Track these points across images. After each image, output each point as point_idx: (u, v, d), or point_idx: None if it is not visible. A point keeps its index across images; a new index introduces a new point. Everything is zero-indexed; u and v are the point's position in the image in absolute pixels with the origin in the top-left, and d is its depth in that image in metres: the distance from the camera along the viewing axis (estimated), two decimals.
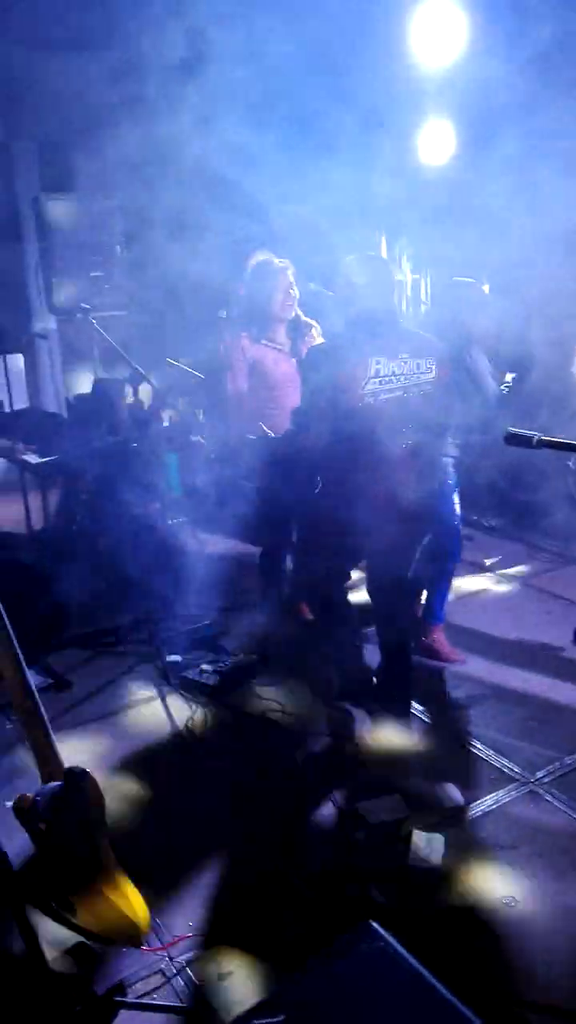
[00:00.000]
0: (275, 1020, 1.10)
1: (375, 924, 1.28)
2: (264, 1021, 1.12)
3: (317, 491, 3.11)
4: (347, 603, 3.49)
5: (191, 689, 3.62)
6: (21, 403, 5.04)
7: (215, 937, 2.32)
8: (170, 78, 3.81)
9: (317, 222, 3.90)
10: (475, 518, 5.25)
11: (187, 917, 2.40)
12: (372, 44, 4.04)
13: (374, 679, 3.47)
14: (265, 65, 3.67)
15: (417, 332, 3.22)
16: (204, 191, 3.80)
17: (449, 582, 3.90)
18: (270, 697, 3.54)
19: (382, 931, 1.26)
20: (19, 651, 2.12)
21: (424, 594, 3.88)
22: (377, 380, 2.96)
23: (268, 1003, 1.18)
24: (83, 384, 5.23)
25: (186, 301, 3.92)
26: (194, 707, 3.51)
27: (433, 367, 3.08)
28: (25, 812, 2.22)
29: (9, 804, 2.48)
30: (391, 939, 1.25)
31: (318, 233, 3.96)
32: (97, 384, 4.58)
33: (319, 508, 3.18)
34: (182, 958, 2.26)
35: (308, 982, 1.22)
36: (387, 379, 2.98)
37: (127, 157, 3.96)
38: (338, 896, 2.43)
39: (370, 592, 3.41)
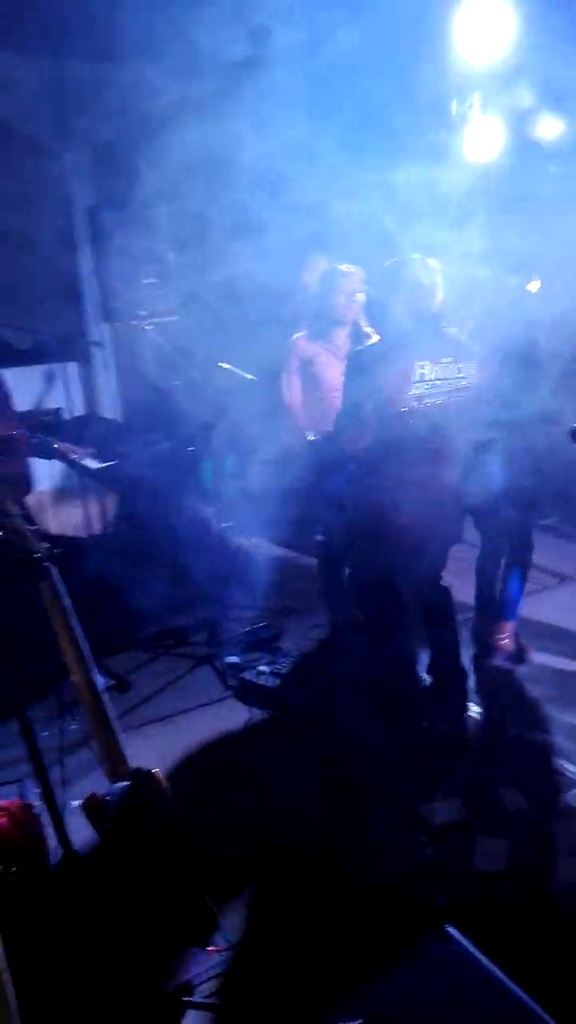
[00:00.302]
0: (353, 1023, 1.10)
1: (451, 928, 1.27)
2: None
3: (355, 502, 3.14)
4: (400, 602, 3.49)
5: (250, 691, 3.64)
6: (78, 410, 5.13)
7: (280, 939, 2.33)
8: (227, 78, 3.84)
9: (379, 220, 3.89)
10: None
11: (251, 918, 2.41)
12: (427, 39, 4.01)
13: (429, 679, 3.45)
14: (324, 63, 3.67)
15: (458, 337, 3.21)
16: (262, 192, 3.82)
17: (521, 579, 3.85)
18: (328, 699, 3.54)
19: (459, 935, 1.25)
20: (88, 653, 2.16)
21: (496, 590, 3.84)
22: (423, 384, 2.98)
23: (345, 1006, 1.18)
24: (138, 390, 5.30)
25: (243, 304, 3.94)
26: (253, 709, 3.53)
27: (474, 371, 3.08)
28: (95, 811, 2.26)
29: (77, 803, 2.54)
30: (468, 943, 1.24)
31: (380, 232, 3.94)
32: (152, 390, 4.64)
33: (366, 510, 3.19)
34: (247, 959, 2.27)
35: (386, 986, 1.22)
36: (431, 383, 3.00)
37: (183, 162, 4.00)
38: (402, 899, 2.42)
39: (416, 590, 3.41)
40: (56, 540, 2.14)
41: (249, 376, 4.24)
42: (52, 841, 2.44)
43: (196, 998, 2.18)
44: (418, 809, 2.77)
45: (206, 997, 2.18)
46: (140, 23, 4.98)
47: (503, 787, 2.89)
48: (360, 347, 3.58)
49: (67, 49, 5.88)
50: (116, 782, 2.22)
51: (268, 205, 3.81)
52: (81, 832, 2.28)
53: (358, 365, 3.17)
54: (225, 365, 4.36)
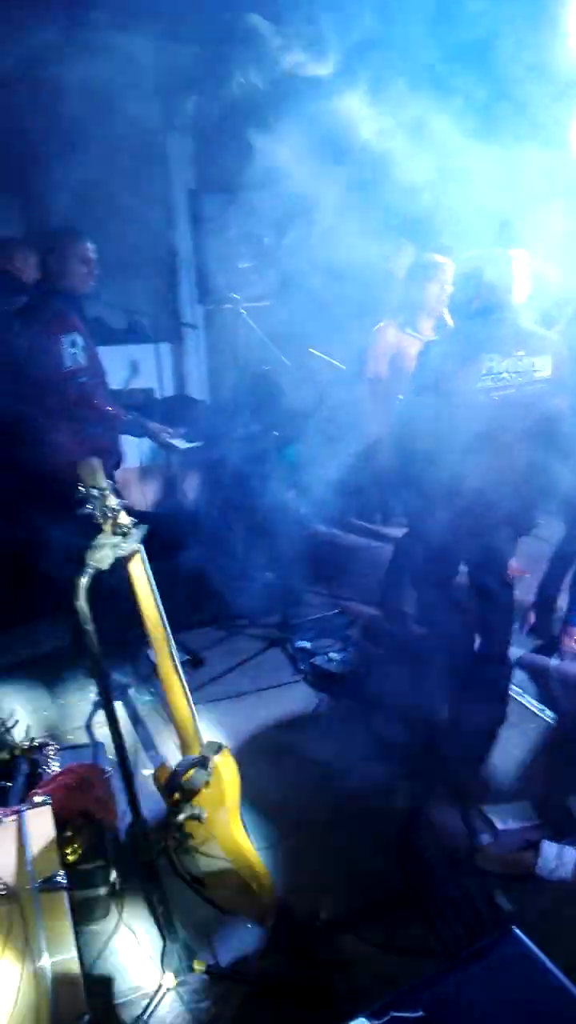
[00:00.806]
0: (414, 1015, 1.11)
1: (517, 931, 1.27)
2: (403, 1014, 1.13)
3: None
4: (457, 603, 3.48)
5: (319, 676, 3.67)
6: (169, 390, 5.23)
7: (337, 925, 2.35)
8: (343, 57, 3.82)
9: (495, 206, 3.82)
10: None
11: (309, 902, 2.44)
12: (544, 25, 3.87)
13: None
14: (449, 37, 3.59)
15: (535, 330, 3.15)
16: (366, 175, 3.80)
17: None
18: (396, 691, 3.53)
19: (525, 938, 1.25)
20: (168, 628, 2.22)
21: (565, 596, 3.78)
22: (489, 378, 2.95)
23: (406, 996, 1.20)
24: (228, 373, 5.37)
25: (338, 290, 3.94)
26: (321, 694, 3.56)
27: (548, 365, 3.03)
28: (163, 781, 2.33)
29: (148, 772, 2.62)
30: (534, 947, 1.23)
31: (494, 218, 3.89)
32: (243, 373, 4.69)
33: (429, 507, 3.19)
34: (305, 941, 2.31)
35: (448, 981, 1.22)
36: (499, 377, 2.97)
37: (288, 145, 4.01)
38: (462, 898, 2.42)
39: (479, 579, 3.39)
40: (141, 515, 2.20)
41: (339, 364, 4.25)
42: (121, 805, 2.54)
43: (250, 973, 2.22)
44: (484, 809, 2.75)
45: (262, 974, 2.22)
46: (250, 4, 5.00)
47: (573, 795, 2.84)
48: (432, 339, 3.57)
49: (175, 31, 5.96)
50: (188, 754, 2.28)
51: (372, 189, 3.79)
52: (150, 800, 2.35)
53: (426, 357, 3.18)
54: (315, 352, 4.37)
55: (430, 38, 3.78)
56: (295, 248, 4.42)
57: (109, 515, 2.07)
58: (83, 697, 3.60)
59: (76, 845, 2.31)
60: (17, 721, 3.20)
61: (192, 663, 3.82)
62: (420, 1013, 1.14)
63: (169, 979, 2.10)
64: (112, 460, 3.70)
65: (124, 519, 2.08)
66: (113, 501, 2.07)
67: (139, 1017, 2.03)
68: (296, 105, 3.97)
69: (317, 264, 4.09)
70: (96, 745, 3.03)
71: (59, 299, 3.50)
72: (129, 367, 5.06)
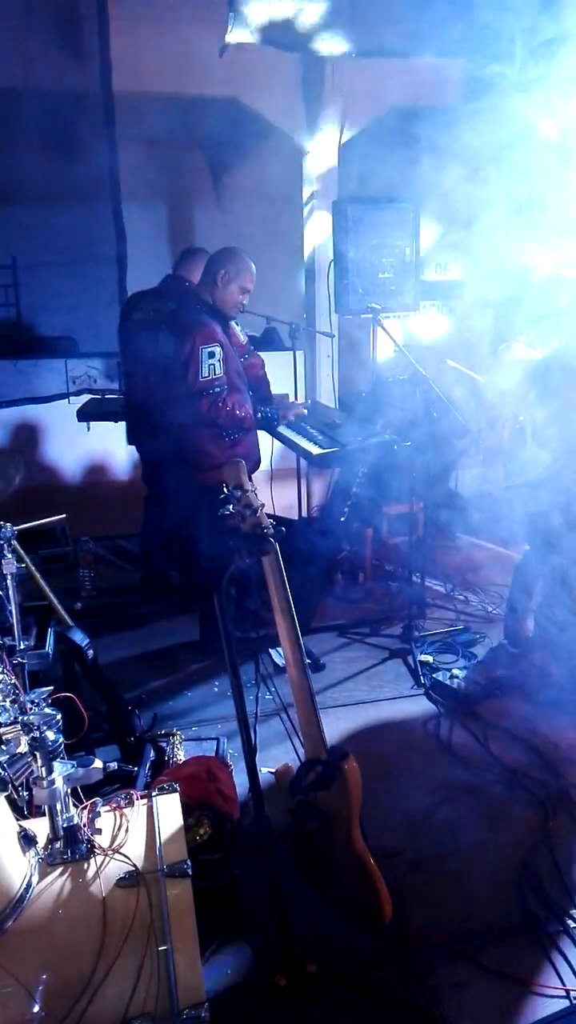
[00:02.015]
0: None
1: None
2: None
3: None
4: None
5: (441, 692, 3.61)
6: (301, 396, 5.29)
7: (452, 947, 2.30)
8: (503, 61, 3.78)
9: None
10: None
11: (425, 918, 2.40)
12: None
13: None
14: None
15: None
16: (515, 186, 3.74)
17: None
18: (520, 716, 3.43)
19: None
20: (299, 631, 2.25)
21: None
22: None
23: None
24: (360, 381, 5.39)
25: (481, 305, 3.90)
26: (442, 711, 3.50)
27: None
28: (286, 781, 2.36)
29: (269, 771, 2.66)
30: None
31: None
32: (376, 382, 4.70)
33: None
34: (418, 956, 2.27)
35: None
36: None
37: (435, 155, 4.00)
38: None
39: None
40: (273, 519, 2.24)
41: (478, 377, 4.18)
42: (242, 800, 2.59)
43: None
44: None
45: (373, 984, 2.20)
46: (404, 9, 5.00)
47: None
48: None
49: (323, 44, 6.05)
50: (311, 757, 2.30)
51: (518, 202, 3.72)
52: (270, 797, 2.38)
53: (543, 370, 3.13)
54: (453, 363, 4.32)
55: None
56: (439, 260, 4.40)
57: (248, 515, 2.13)
58: (208, 690, 3.70)
59: (198, 835, 2.36)
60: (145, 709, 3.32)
61: (313, 667, 3.85)
62: None
63: (281, 979, 2.11)
64: (251, 462, 3.82)
65: (262, 519, 2.12)
66: (253, 501, 2.12)
67: (250, 1014, 2.05)
68: (449, 113, 3.96)
69: (462, 277, 4.05)
70: (219, 738, 3.09)
71: (208, 312, 3.65)
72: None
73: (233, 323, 4.01)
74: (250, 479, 2.25)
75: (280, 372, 4.91)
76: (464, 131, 3.82)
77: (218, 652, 3.85)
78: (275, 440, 4.15)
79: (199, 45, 5.97)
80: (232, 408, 3.64)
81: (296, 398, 4.94)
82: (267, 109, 6.47)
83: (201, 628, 4.09)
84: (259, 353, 4.24)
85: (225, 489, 2.09)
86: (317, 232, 6.63)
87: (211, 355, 3.52)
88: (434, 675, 3.72)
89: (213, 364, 3.52)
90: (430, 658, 3.90)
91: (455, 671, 3.71)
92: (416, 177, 4.78)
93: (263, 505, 2.19)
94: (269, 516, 2.20)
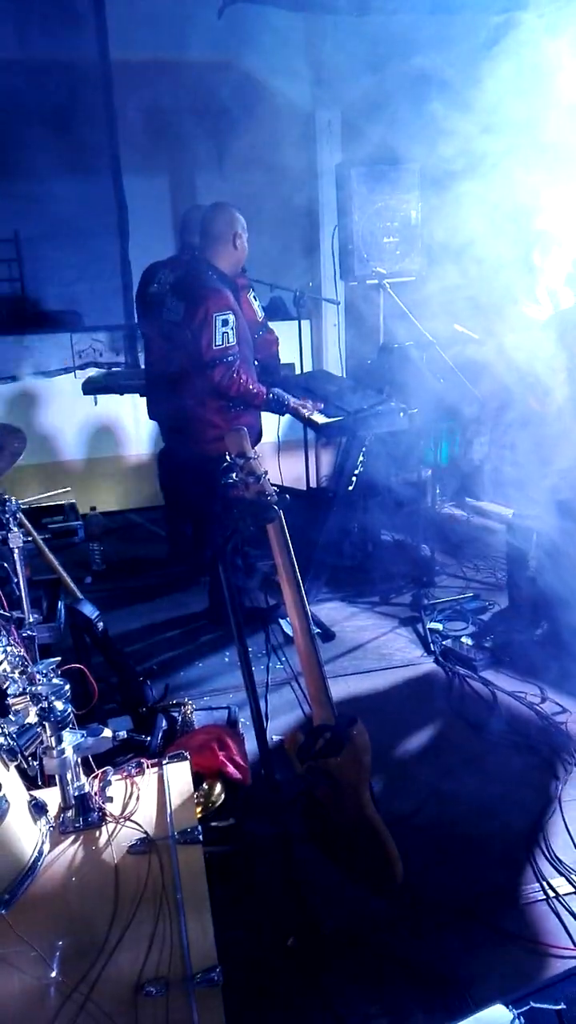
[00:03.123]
0: (555, 1007, 1.09)
1: None
2: (543, 1005, 1.11)
3: None
4: None
5: (451, 659, 3.61)
6: (307, 364, 5.25)
7: (465, 910, 2.32)
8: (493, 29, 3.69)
9: None
10: None
11: (438, 881, 2.42)
12: None
13: None
14: None
15: None
16: (522, 147, 3.66)
17: None
18: (531, 680, 3.43)
19: None
20: (306, 601, 2.24)
21: None
22: None
23: (547, 989, 1.16)
24: (366, 349, 5.34)
25: (486, 267, 3.83)
26: (454, 678, 3.50)
27: None
28: (295, 747, 2.37)
29: (279, 738, 2.67)
30: None
31: None
32: (382, 349, 4.65)
33: None
34: (430, 919, 2.29)
35: None
36: None
37: (437, 118, 3.91)
38: None
39: None
40: (278, 489, 2.22)
41: (483, 339, 4.13)
42: (253, 767, 2.60)
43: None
44: None
45: (384, 948, 2.22)
46: None
47: None
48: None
49: (320, 5, 5.92)
50: (320, 724, 2.31)
51: (528, 162, 3.64)
52: (280, 764, 2.39)
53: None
54: (461, 328, 4.27)
55: None
56: (443, 223, 4.32)
57: (251, 483, 2.11)
58: (219, 660, 3.72)
59: (210, 802, 2.38)
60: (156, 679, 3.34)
61: (323, 636, 3.85)
62: (562, 1006, 1.11)
63: (295, 942, 2.14)
64: (252, 435, 3.78)
65: (266, 487, 2.11)
66: (257, 469, 2.10)
67: (264, 977, 2.08)
68: (449, 76, 3.87)
69: (467, 240, 3.97)
70: (230, 708, 3.11)
71: (220, 279, 3.60)
72: None
73: (251, 296, 3.95)
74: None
75: (286, 341, 4.87)
76: (473, 86, 3.73)
77: (227, 622, 3.86)
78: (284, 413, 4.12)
79: (196, 7, 5.85)
80: (246, 381, 3.61)
81: (302, 367, 4.90)
82: (268, 72, 6.33)
83: (210, 599, 4.10)
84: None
85: (228, 457, 2.08)
86: (321, 198, 6.53)
87: (225, 323, 3.48)
88: (444, 642, 3.72)
89: (227, 332, 3.48)
90: (440, 625, 3.90)
91: (464, 638, 3.70)
92: (422, 137, 4.69)
93: (266, 473, 2.17)
94: (276, 487, 2.19)
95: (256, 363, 3.95)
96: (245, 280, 3.92)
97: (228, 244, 3.58)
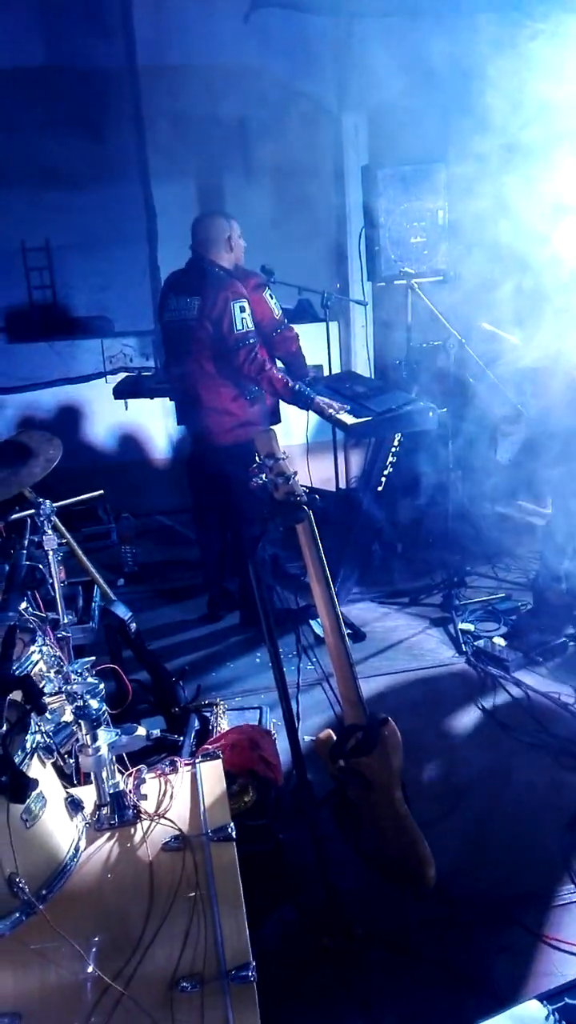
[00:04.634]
0: None
1: None
2: None
3: None
4: None
5: (483, 660, 3.60)
6: (336, 365, 5.26)
7: (499, 910, 2.31)
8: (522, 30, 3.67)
9: None
10: None
11: (470, 883, 2.41)
12: None
13: None
14: None
15: None
16: (554, 146, 3.64)
17: None
18: (563, 680, 3.40)
19: None
20: (336, 601, 2.25)
21: None
22: None
23: None
24: (395, 349, 5.33)
25: (516, 266, 3.80)
26: (486, 679, 3.48)
27: None
28: (327, 748, 2.37)
29: (310, 739, 2.68)
30: None
31: None
32: (411, 350, 4.63)
33: None
34: (463, 921, 2.28)
35: None
36: None
37: (466, 119, 3.91)
38: None
39: None
40: (308, 489, 2.24)
41: (514, 339, 4.10)
42: (285, 767, 2.62)
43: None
44: None
45: (419, 945, 2.22)
46: None
47: None
48: None
49: (349, 6, 5.92)
50: (352, 723, 2.31)
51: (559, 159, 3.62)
52: (312, 765, 2.40)
53: None
54: (488, 326, 4.24)
55: None
56: (474, 223, 4.30)
57: (281, 484, 2.13)
58: (250, 661, 3.74)
59: (243, 802, 2.40)
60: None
61: (354, 637, 3.86)
62: None
63: (327, 942, 2.14)
64: (270, 418, 4.01)
65: (295, 487, 2.12)
66: (286, 470, 2.12)
67: (297, 975, 2.08)
68: (476, 77, 3.86)
69: (496, 240, 3.95)
70: (262, 708, 3.13)
71: (225, 272, 3.78)
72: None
73: (267, 294, 4.00)
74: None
75: (314, 343, 4.88)
76: (496, 87, 3.72)
77: (258, 624, 3.88)
78: (310, 412, 4.13)
79: (223, 14, 5.90)
80: (271, 370, 3.70)
81: (330, 369, 4.90)
82: (295, 76, 6.37)
83: (241, 600, 4.13)
84: (292, 326, 4.21)
85: (257, 458, 2.09)
86: (347, 200, 6.54)
87: (242, 309, 3.67)
88: (476, 643, 3.70)
89: (244, 318, 3.67)
90: (471, 626, 3.88)
91: (496, 638, 3.68)
92: (448, 137, 4.68)
93: (296, 473, 2.19)
94: (305, 488, 2.20)
95: (276, 360, 4.03)
96: (257, 279, 3.99)
97: (226, 244, 3.82)
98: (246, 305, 3.68)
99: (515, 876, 2.43)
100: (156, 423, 6.12)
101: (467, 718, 3.24)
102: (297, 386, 3.81)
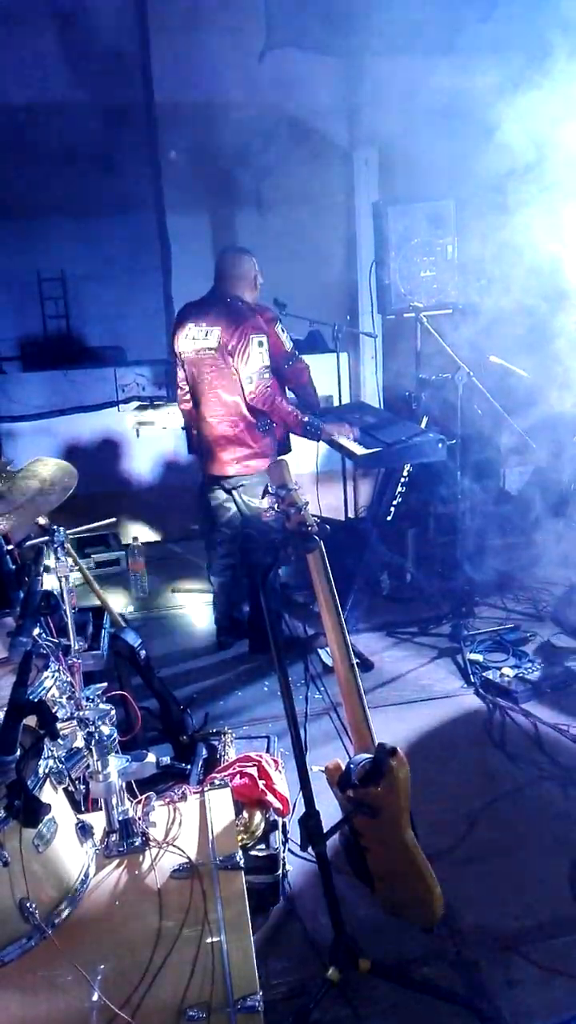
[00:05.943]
0: None
1: None
2: None
3: None
4: None
5: (492, 691, 3.59)
6: (345, 396, 5.33)
7: (505, 943, 2.29)
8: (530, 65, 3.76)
9: None
10: None
11: (476, 915, 2.40)
12: None
13: None
14: None
15: None
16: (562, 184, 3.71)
17: None
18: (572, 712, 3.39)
19: None
20: (346, 630, 2.27)
21: None
22: None
23: None
24: (404, 381, 5.39)
25: (525, 298, 3.86)
26: (494, 710, 3.48)
27: None
28: (336, 778, 2.37)
29: (319, 769, 2.68)
30: None
31: None
32: (420, 382, 4.69)
33: None
34: (471, 953, 2.27)
35: None
36: None
37: (474, 154, 3.99)
38: None
39: None
40: (319, 518, 2.27)
41: (522, 372, 4.15)
42: (293, 797, 2.62)
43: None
44: None
45: (423, 979, 2.21)
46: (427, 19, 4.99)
47: None
48: None
49: (361, 45, 6.06)
50: (360, 753, 2.32)
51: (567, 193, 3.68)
52: (320, 795, 2.40)
53: None
54: (496, 359, 4.29)
55: None
56: (483, 257, 4.38)
57: (293, 513, 2.16)
58: (258, 689, 3.74)
59: (250, 831, 2.40)
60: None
61: (361, 667, 3.85)
62: None
63: (335, 973, 2.13)
64: (284, 451, 4.11)
65: (307, 517, 2.15)
66: (298, 500, 2.15)
67: (302, 1008, 2.07)
68: (484, 112, 3.94)
69: (507, 273, 4.02)
70: (270, 737, 3.13)
71: (247, 307, 3.82)
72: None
73: (278, 328, 4.06)
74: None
75: (325, 374, 4.95)
76: (505, 126, 3.81)
77: (267, 652, 3.90)
78: (320, 442, 4.18)
79: (238, 53, 6.04)
80: (282, 403, 3.75)
81: (340, 400, 4.95)
82: (307, 112, 6.52)
83: (250, 628, 4.14)
84: (303, 357, 4.27)
85: (269, 488, 2.13)
86: (358, 234, 6.65)
87: (260, 344, 3.73)
88: (484, 673, 3.70)
89: (262, 352, 3.74)
90: (480, 656, 3.88)
91: (505, 669, 3.68)
92: (458, 172, 4.77)
93: (307, 503, 2.22)
94: (316, 517, 2.23)
95: (288, 392, 4.09)
96: (270, 313, 4.05)
97: (251, 282, 3.90)
98: (264, 340, 3.75)
99: (523, 908, 2.42)
100: (168, 453, 6.18)
101: (475, 749, 3.24)
102: (307, 418, 3.86)
